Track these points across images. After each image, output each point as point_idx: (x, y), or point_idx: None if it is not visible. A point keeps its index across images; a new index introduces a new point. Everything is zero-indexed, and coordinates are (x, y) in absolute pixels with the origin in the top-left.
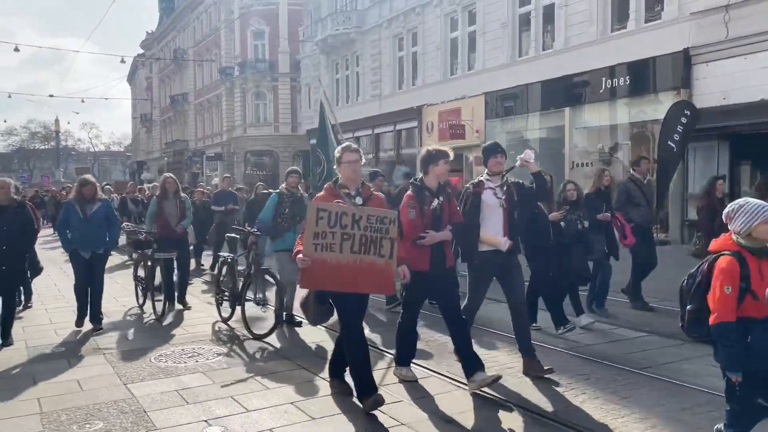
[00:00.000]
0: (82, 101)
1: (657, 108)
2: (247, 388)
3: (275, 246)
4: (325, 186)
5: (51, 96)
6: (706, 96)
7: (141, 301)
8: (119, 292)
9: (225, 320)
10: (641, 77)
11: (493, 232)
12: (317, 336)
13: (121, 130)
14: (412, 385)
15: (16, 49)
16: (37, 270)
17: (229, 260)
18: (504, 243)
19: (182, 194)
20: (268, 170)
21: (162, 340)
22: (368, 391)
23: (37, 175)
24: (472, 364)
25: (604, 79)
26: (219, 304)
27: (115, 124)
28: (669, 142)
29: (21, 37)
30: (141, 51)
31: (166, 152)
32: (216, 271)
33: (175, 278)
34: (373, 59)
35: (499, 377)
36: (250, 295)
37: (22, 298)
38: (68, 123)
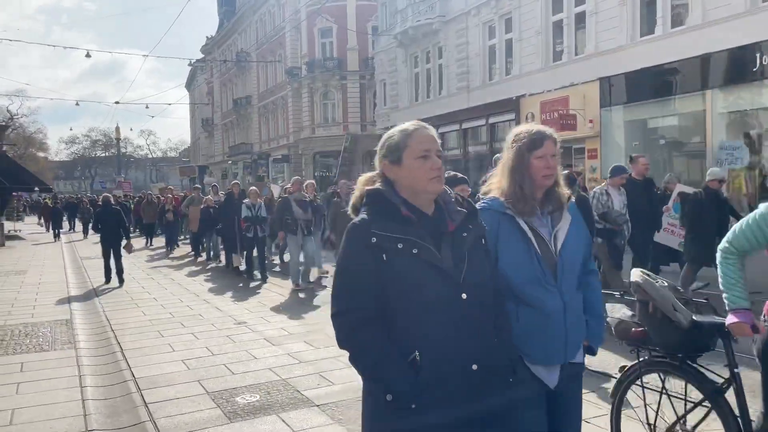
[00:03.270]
0: (147, 107)
1: None
2: None
3: None
4: None
5: (117, 103)
6: None
7: None
8: None
9: None
10: None
11: None
12: None
13: (178, 136)
14: None
15: (88, 55)
16: None
17: None
18: None
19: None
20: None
21: None
22: None
23: (97, 183)
24: None
25: (758, 54)
26: None
27: (172, 131)
28: None
29: (85, 49)
30: (201, 56)
31: (233, 156)
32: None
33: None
34: (459, 50)
35: None
36: None
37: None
38: (130, 130)
